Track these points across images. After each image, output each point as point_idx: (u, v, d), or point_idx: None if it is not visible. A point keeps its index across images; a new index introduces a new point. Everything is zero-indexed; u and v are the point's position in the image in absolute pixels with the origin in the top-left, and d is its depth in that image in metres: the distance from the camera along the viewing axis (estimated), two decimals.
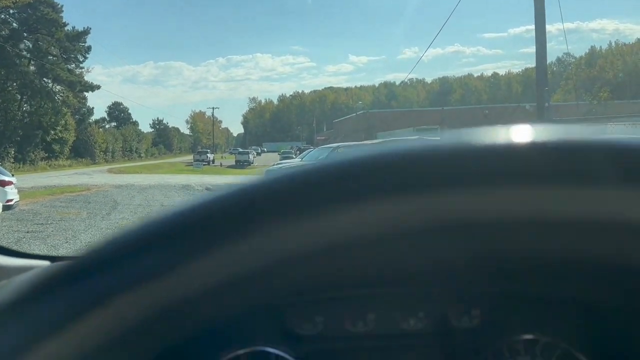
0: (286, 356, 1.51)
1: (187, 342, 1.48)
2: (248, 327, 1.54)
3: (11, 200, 15.91)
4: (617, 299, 1.41)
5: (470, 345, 1.51)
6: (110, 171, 49.06)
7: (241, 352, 1.52)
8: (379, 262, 0.46)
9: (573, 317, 1.52)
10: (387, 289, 1.57)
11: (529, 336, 1.50)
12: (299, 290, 1.30)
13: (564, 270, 1.46)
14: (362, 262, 0.48)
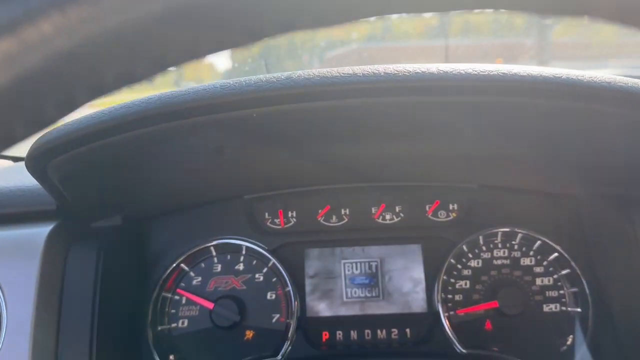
0: (257, 248, 1.48)
1: (154, 237, 1.44)
2: (217, 221, 1.50)
3: None
4: (590, 188, 1.39)
5: (448, 237, 1.48)
6: None
7: (212, 243, 1.49)
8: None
9: (549, 210, 1.49)
10: (361, 183, 1.52)
11: (505, 229, 1.48)
12: None
13: (541, 165, 1.43)
14: None
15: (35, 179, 1.14)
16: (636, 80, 1.00)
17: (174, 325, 1.46)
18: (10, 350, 1.12)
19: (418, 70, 0.98)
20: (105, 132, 0.99)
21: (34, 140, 1.07)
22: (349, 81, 0.96)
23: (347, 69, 0.97)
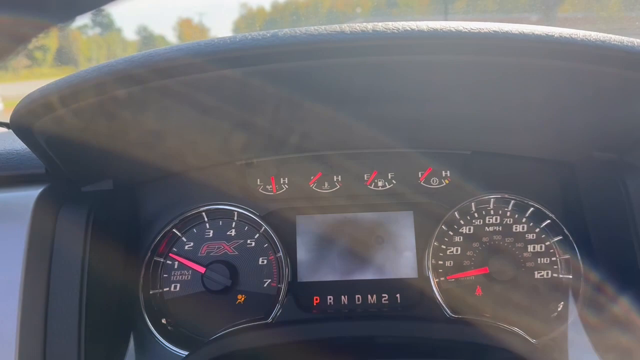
0: (248, 214, 1.47)
1: (146, 202, 1.43)
2: (208, 186, 1.50)
3: None
4: (585, 154, 1.37)
5: (440, 204, 1.47)
6: None
7: (204, 209, 1.48)
8: None
9: (543, 177, 1.48)
10: (353, 150, 1.51)
11: (498, 195, 1.47)
12: None
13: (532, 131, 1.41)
14: None
15: (22, 140, 1.13)
16: (631, 39, 0.98)
17: (166, 289, 1.47)
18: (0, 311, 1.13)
19: (409, 28, 0.95)
20: (87, 92, 0.98)
21: (19, 101, 1.06)
22: (336, 39, 0.94)
23: (330, 27, 0.95)
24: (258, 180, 1.51)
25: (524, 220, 1.48)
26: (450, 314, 1.38)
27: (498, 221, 1.48)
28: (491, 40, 0.94)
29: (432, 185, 1.50)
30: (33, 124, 1.05)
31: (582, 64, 0.97)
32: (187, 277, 1.47)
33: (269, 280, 1.46)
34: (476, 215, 1.48)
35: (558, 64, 0.98)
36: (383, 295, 1.45)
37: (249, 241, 1.48)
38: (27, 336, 1.12)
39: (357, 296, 1.45)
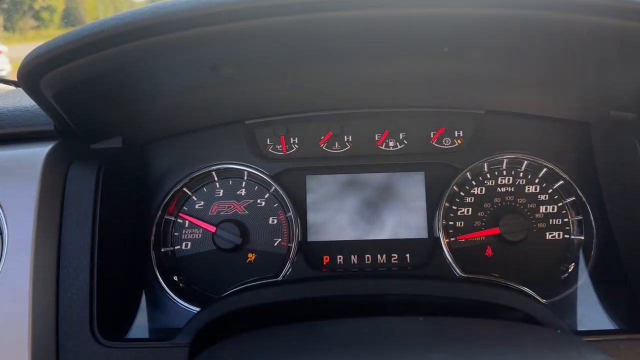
0: (258, 173, 1.47)
1: (155, 160, 1.43)
2: (218, 145, 1.49)
3: (2, 70, 15.45)
4: (601, 113, 1.34)
5: (452, 164, 1.45)
6: None
7: (214, 168, 1.48)
8: None
9: (557, 137, 1.45)
10: (364, 109, 1.49)
11: (511, 155, 1.45)
12: None
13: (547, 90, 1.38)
14: None
15: (29, 95, 1.12)
16: None
17: (177, 247, 1.48)
18: (12, 268, 1.14)
19: None
20: (95, 45, 0.96)
21: (26, 54, 1.05)
22: None
23: None
24: (268, 139, 1.50)
25: (536, 181, 1.46)
26: (461, 273, 1.38)
27: (510, 182, 1.46)
28: None
29: (444, 145, 1.48)
30: (40, 78, 1.04)
31: (606, 18, 0.93)
32: (198, 236, 1.48)
33: (279, 240, 1.46)
34: (488, 175, 1.46)
35: (581, 17, 0.94)
36: (392, 255, 1.45)
37: (259, 201, 1.48)
38: (40, 292, 1.14)
39: (366, 256, 1.46)
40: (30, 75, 1.03)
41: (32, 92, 1.09)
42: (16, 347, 1.11)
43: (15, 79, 1.93)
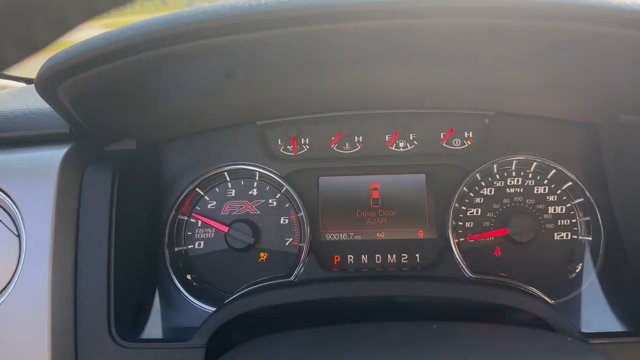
0: (270, 174, 1.48)
1: (168, 161, 1.44)
2: (230, 146, 1.50)
3: None
4: (610, 116, 1.35)
5: (462, 165, 1.47)
6: None
7: (226, 168, 1.49)
8: None
9: (566, 139, 1.46)
10: (375, 110, 1.50)
11: (520, 157, 1.46)
12: None
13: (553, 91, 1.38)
14: None
15: (47, 102, 1.13)
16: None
17: (190, 246, 1.50)
18: (31, 271, 1.16)
19: None
20: (113, 55, 0.97)
21: (43, 63, 1.06)
22: (365, 1, 0.91)
23: None
24: (279, 140, 1.51)
25: (545, 182, 1.47)
26: (470, 274, 1.40)
27: (519, 183, 1.47)
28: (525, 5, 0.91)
29: (454, 146, 1.49)
30: (57, 86, 1.05)
31: (616, 29, 0.94)
32: (211, 235, 1.50)
33: (291, 239, 1.48)
34: (497, 177, 1.48)
35: (589, 27, 0.94)
36: (402, 255, 1.47)
37: (270, 201, 1.50)
38: (59, 294, 1.16)
39: (377, 256, 1.48)
40: (48, 84, 1.04)
41: (50, 99, 1.10)
42: (37, 348, 1.14)
43: (25, 75, 1.95)
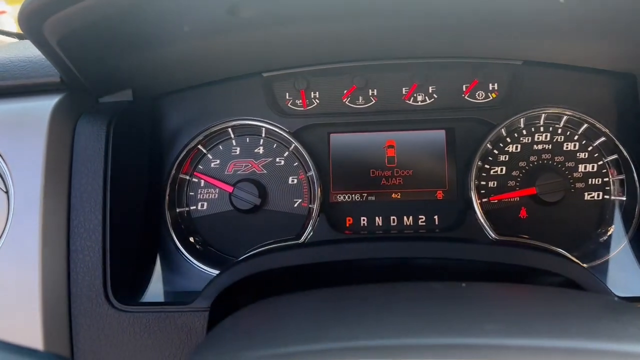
0: (277, 130, 1.38)
1: (168, 115, 1.35)
2: (234, 100, 1.40)
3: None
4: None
5: (485, 120, 1.35)
6: None
7: (230, 124, 1.39)
8: None
9: (600, 90, 1.34)
10: (391, 60, 1.38)
11: (549, 110, 1.34)
12: None
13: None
14: None
15: (32, 41, 1.03)
16: None
17: (193, 207, 1.41)
18: (19, 229, 1.08)
19: None
20: None
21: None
22: None
23: None
24: (287, 94, 1.41)
25: (576, 137, 1.36)
26: (494, 236, 1.29)
27: (548, 139, 1.36)
28: None
29: (477, 99, 1.38)
30: (42, 22, 0.95)
31: None
32: (215, 196, 1.40)
33: (300, 200, 1.39)
34: (524, 132, 1.36)
35: None
36: (420, 216, 1.37)
37: (278, 159, 1.40)
38: (50, 254, 1.08)
39: (392, 217, 1.38)
40: (32, 19, 0.94)
41: (35, 37, 1.00)
42: (27, 312, 1.05)
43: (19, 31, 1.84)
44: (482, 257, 1.11)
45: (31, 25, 0.96)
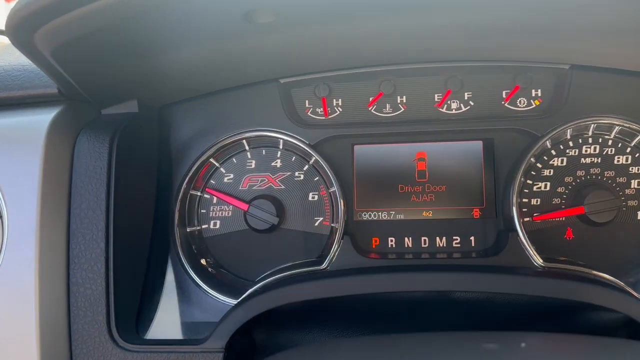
0: (296, 142, 1.26)
1: (177, 127, 1.24)
2: (249, 109, 1.28)
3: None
4: None
5: (528, 131, 1.22)
6: None
7: (245, 135, 1.28)
8: None
9: None
10: (422, 64, 1.25)
11: (600, 119, 1.21)
12: None
13: None
14: None
15: (23, 53, 0.91)
16: None
17: (204, 226, 1.30)
18: (14, 260, 0.98)
19: None
20: None
21: (14, 3, 0.83)
22: None
23: None
24: (307, 102, 1.30)
25: (628, 150, 1.22)
26: (539, 262, 1.16)
27: (597, 151, 1.23)
28: None
29: (518, 107, 1.25)
30: (33, 32, 0.83)
31: None
32: (228, 213, 1.29)
33: (321, 219, 1.27)
34: (571, 144, 1.23)
35: None
36: (454, 237, 1.25)
37: (297, 173, 1.29)
38: (48, 287, 0.98)
39: (423, 238, 1.25)
40: (21, 29, 0.83)
41: (26, 49, 0.89)
42: (23, 352, 0.95)
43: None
44: (530, 291, 0.98)
45: (21, 36, 0.85)
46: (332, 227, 1.26)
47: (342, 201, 1.24)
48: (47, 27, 0.82)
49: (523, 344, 0.71)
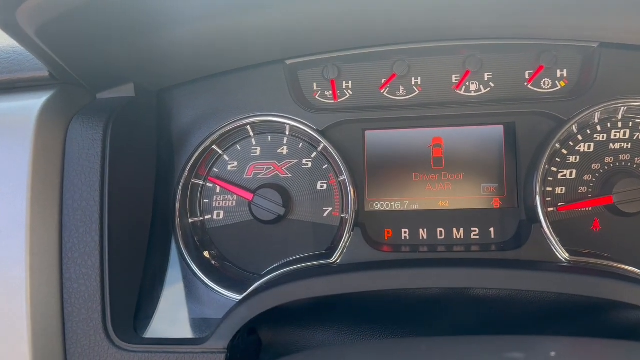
0: (304, 127, 1.19)
1: (178, 112, 1.18)
2: (253, 93, 1.22)
3: None
4: None
5: (552, 114, 1.14)
6: None
7: (249, 120, 1.21)
8: None
9: None
10: (439, 42, 1.17)
11: (630, 102, 1.12)
12: None
13: None
14: None
15: (7, 33, 0.85)
16: None
17: (207, 217, 1.24)
18: (3, 255, 0.93)
19: None
20: None
21: None
22: None
23: None
24: (314, 84, 1.23)
25: None
26: (565, 255, 1.09)
27: (627, 136, 1.16)
28: None
29: (542, 88, 1.17)
30: (15, 9, 0.76)
31: None
32: (232, 203, 1.24)
33: (330, 209, 1.21)
34: (599, 128, 1.16)
35: None
36: (473, 229, 1.18)
37: (304, 161, 1.22)
38: (40, 285, 0.93)
39: (439, 229, 1.18)
40: (2, 7, 0.76)
41: (10, 29, 0.82)
42: (14, 352, 0.90)
43: None
44: (556, 288, 0.91)
45: (2, 15, 0.78)
46: (341, 217, 1.20)
47: (352, 190, 1.17)
48: (29, 3, 0.76)
49: (553, 353, 0.64)
